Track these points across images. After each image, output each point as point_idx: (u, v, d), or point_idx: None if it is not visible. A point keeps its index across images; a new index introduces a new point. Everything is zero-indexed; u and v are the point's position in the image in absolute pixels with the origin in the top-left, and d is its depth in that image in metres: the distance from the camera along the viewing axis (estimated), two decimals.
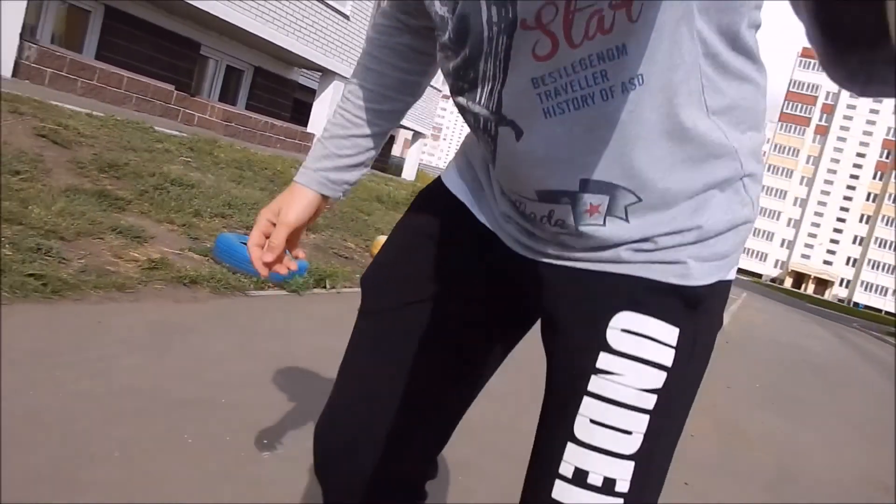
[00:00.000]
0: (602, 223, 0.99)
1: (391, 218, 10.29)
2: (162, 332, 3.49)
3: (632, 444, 0.97)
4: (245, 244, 5.08)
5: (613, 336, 0.98)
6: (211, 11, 11.43)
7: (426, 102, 22.54)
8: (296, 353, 3.78)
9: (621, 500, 0.97)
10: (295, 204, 1.23)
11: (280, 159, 10.67)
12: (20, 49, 8.57)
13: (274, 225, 1.23)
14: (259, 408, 2.94)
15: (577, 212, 1.00)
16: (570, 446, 0.97)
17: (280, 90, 16.52)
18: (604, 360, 0.98)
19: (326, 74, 15.79)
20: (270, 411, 2.94)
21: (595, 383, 0.98)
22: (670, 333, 0.98)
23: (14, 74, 8.54)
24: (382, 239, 7.39)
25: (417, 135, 23.26)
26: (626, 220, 0.98)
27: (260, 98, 15.90)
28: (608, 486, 0.96)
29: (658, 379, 0.97)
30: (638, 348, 0.97)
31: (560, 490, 0.97)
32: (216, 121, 12.26)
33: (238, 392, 3.03)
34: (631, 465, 0.96)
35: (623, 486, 0.97)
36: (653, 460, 1.01)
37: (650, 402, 0.97)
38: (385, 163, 24.97)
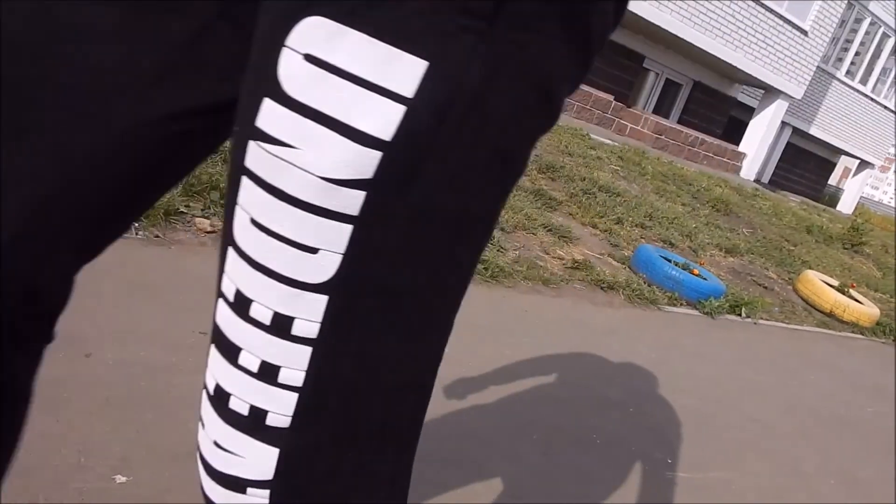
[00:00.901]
0: None
1: (820, 252, 9.36)
2: (579, 331, 3.66)
3: (321, 270, 0.56)
4: (664, 258, 5.09)
5: (290, 67, 0.53)
6: (662, 25, 11.59)
7: (880, 126, 19.95)
8: (705, 378, 3.66)
9: (308, 347, 0.59)
10: None
11: (706, 176, 10.41)
12: None
13: None
14: (669, 426, 2.91)
15: None
16: (230, 253, 0.60)
17: (716, 106, 16.08)
18: (269, 114, 0.54)
19: (770, 93, 14.92)
20: (679, 433, 2.89)
21: (254, 156, 0.56)
22: (407, 69, 0.51)
23: None
24: (810, 274, 6.75)
25: (864, 164, 20.76)
26: None
27: (693, 112, 15.67)
28: (281, 326, 0.58)
29: (366, 162, 0.53)
30: (330, 96, 0.52)
31: (222, 315, 0.62)
32: (647, 132, 12.42)
33: (646, 402, 3.04)
34: (322, 301, 0.57)
35: (306, 328, 0.58)
36: (361, 313, 0.59)
37: (351, 202, 0.54)
38: (819, 192, 22.76)
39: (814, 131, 18.55)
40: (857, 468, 3.28)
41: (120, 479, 1.55)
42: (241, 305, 0.59)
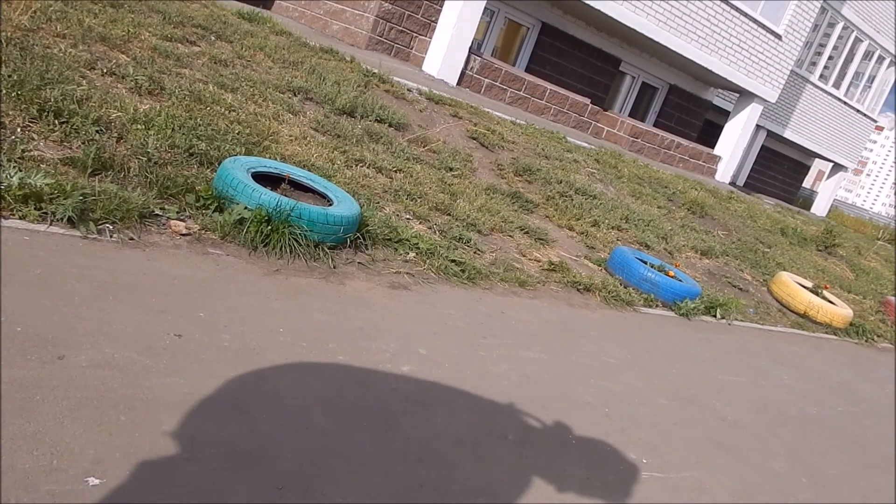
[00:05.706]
0: None
1: (794, 254, 9.47)
2: (556, 332, 3.68)
3: None
4: (640, 260, 5.14)
5: None
6: (638, 29, 11.68)
7: (856, 132, 20.25)
8: (679, 379, 3.70)
9: None
10: None
11: (681, 179, 10.50)
12: (467, 61, 9.71)
13: None
14: (643, 427, 2.94)
15: None
16: None
17: (691, 109, 16.22)
18: None
19: (744, 96, 15.07)
20: (652, 433, 2.92)
21: None
22: None
23: (458, 83, 9.71)
24: (785, 275, 6.83)
25: (837, 167, 21.04)
26: None
27: (669, 116, 15.80)
28: None
29: None
30: None
31: None
32: (623, 135, 12.51)
33: (624, 405, 3.07)
34: None
35: None
36: None
37: None
38: (793, 194, 23.04)
39: (788, 134, 18.79)
40: (826, 466, 3.33)
41: (93, 481, 1.54)
42: None
